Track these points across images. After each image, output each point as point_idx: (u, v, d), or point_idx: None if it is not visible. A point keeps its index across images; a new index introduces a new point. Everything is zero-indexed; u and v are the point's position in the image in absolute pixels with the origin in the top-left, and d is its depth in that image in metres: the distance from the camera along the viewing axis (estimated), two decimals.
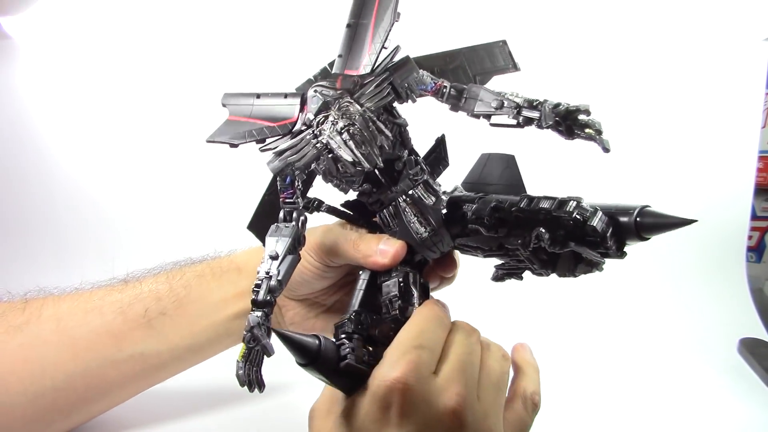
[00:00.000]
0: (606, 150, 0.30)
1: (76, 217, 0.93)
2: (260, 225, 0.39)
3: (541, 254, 0.32)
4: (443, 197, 0.37)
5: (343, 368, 0.31)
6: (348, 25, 0.34)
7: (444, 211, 0.37)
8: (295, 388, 0.57)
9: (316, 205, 0.39)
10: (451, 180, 0.40)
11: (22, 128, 0.93)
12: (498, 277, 0.38)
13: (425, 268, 0.41)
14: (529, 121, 0.32)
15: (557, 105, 0.31)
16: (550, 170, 0.73)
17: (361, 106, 0.33)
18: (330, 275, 0.45)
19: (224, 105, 0.39)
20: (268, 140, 0.35)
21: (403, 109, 0.36)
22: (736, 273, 0.79)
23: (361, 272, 0.40)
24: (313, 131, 0.33)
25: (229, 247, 0.54)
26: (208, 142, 0.38)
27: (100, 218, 0.93)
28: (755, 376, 0.61)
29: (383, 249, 0.37)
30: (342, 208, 0.41)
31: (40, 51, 0.92)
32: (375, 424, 0.29)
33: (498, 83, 0.35)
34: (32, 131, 0.93)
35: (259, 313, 0.32)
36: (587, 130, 0.30)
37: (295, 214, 0.35)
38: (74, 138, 0.93)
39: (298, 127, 0.35)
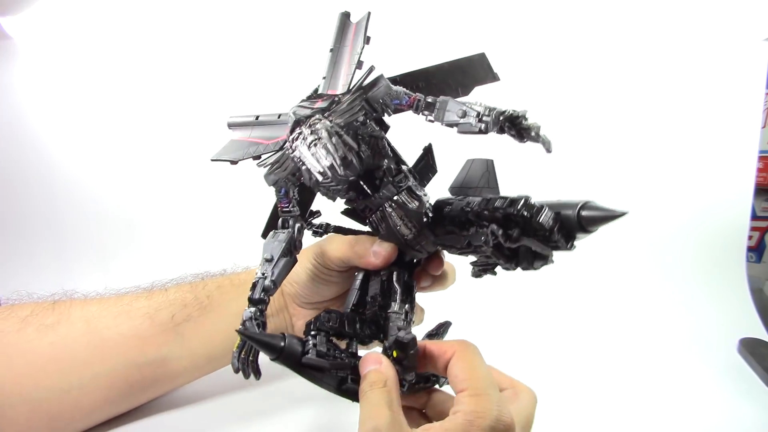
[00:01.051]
0: (548, 150, 0.32)
1: (76, 218, 0.93)
2: None
3: (503, 249, 0.34)
4: (426, 202, 0.39)
5: (304, 362, 0.34)
6: (331, 50, 0.38)
7: (430, 214, 0.39)
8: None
9: (325, 228, 0.44)
10: (441, 185, 0.42)
11: (22, 128, 0.93)
12: (476, 274, 0.40)
13: (416, 269, 0.43)
14: (488, 128, 0.35)
15: (502, 112, 0.33)
16: (540, 172, 0.74)
17: (330, 122, 0.35)
18: (335, 280, 0.47)
19: (230, 127, 0.43)
20: (263, 156, 0.39)
21: (398, 124, 0.39)
22: (736, 273, 0.79)
23: (357, 272, 0.43)
24: (290, 146, 0.36)
25: (244, 260, 0.56)
26: (213, 161, 0.41)
27: (100, 219, 0.93)
28: (755, 376, 0.61)
29: (376, 250, 0.40)
30: (347, 227, 0.45)
31: (40, 51, 0.92)
32: None
33: (491, 93, 0.37)
34: (32, 131, 0.93)
35: (252, 309, 0.36)
36: (532, 134, 0.32)
37: (291, 221, 0.39)
38: (75, 138, 0.93)
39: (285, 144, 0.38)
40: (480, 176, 0.39)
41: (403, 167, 0.39)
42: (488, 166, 0.39)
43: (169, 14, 0.90)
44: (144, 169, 0.92)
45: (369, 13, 0.39)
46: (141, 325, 0.47)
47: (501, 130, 0.33)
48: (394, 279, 0.40)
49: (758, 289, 0.85)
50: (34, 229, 0.94)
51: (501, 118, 0.33)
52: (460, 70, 0.38)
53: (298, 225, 0.39)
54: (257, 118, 0.42)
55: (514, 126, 0.32)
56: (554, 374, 0.61)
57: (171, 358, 0.48)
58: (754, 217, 0.90)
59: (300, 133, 0.36)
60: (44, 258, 0.91)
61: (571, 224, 0.29)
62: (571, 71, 0.84)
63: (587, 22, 0.84)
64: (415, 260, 0.43)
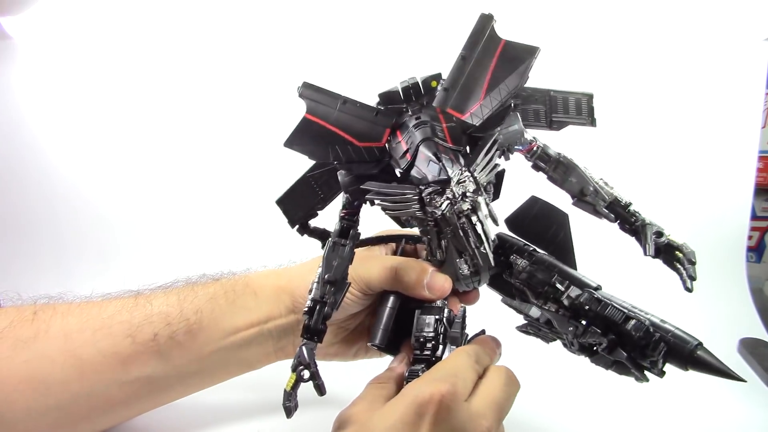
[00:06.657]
0: (688, 289, 0.33)
1: (75, 219, 0.93)
2: (291, 203, 0.39)
3: (586, 343, 0.33)
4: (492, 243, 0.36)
5: None
6: (463, 57, 0.33)
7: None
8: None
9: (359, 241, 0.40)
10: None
11: (21, 129, 0.93)
12: (523, 330, 0.39)
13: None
14: (609, 216, 0.35)
15: (660, 234, 0.34)
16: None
17: (476, 183, 0.32)
18: (366, 302, 0.44)
19: (301, 96, 0.36)
20: (350, 165, 0.34)
21: None
22: (736, 273, 0.79)
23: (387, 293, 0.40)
24: (420, 195, 0.32)
25: (240, 257, 0.53)
26: (286, 146, 0.35)
27: (100, 220, 0.92)
28: (755, 376, 0.61)
29: (433, 285, 0.38)
30: (373, 237, 0.43)
31: (40, 51, 0.92)
32: (407, 427, 0.31)
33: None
34: (32, 132, 0.93)
35: (312, 345, 0.33)
36: (677, 265, 0.33)
37: (351, 232, 0.36)
38: (74, 139, 0.93)
39: (387, 159, 0.34)
40: (550, 229, 0.36)
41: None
42: (561, 222, 0.36)
43: (169, 15, 0.90)
44: (143, 170, 0.92)
45: (538, 50, 0.33)
46: (122, 343, 0.44)
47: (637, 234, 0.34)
48: (444, 319, 0.37)
49: (758, 289, 0.85)
50: (32, 229, 0.94)
51: (658, 243, 0.34)
52: (562, 102, 0.35)
53: (357, 234, 0.36)
54: (345, 102, 0.35)
55: (665, 251, 0.33)
56: (553, 374, 0.61)
57: (156, 376, 0.46)
58: (754, 217, 0.90)
59: (445, 193, 0.32)
60: (44, 258, 0.91)
61: (679, 357, 0.31)
62: (571, 70, 0.84)
63: (587, 22, 0.84)
64: None
